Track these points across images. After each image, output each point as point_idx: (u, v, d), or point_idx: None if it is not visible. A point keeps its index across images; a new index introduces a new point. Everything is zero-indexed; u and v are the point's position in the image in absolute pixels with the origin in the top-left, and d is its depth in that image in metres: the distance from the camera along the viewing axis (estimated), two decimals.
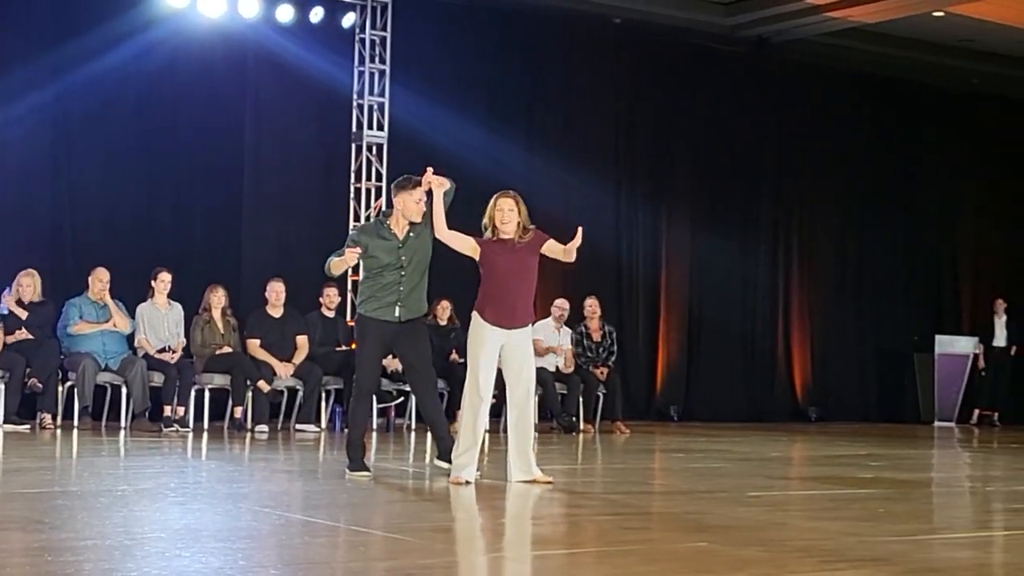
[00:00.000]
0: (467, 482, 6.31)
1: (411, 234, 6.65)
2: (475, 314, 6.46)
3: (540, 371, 11.58)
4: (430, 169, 6.60)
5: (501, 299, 6.38)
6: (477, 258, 6.47)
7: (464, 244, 6.48)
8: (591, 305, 12.22)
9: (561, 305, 11.86)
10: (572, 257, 6.51)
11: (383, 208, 12.37)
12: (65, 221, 11.38)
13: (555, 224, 13.76)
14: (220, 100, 11.92)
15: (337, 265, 6.80)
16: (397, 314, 6.64)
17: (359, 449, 6.74)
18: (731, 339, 14.94)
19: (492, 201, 6.51)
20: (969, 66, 15.57)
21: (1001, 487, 7.88)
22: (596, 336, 12.16)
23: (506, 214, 6.42)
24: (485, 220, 6.48)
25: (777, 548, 4.58)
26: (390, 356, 11.06)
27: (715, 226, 14.90)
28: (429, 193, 6.59)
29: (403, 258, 6.64)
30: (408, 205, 6.62)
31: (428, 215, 6.60)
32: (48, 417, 9.85)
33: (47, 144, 11.30)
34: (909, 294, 16.45)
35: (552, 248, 6.50)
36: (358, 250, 6.66)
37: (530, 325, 6.54)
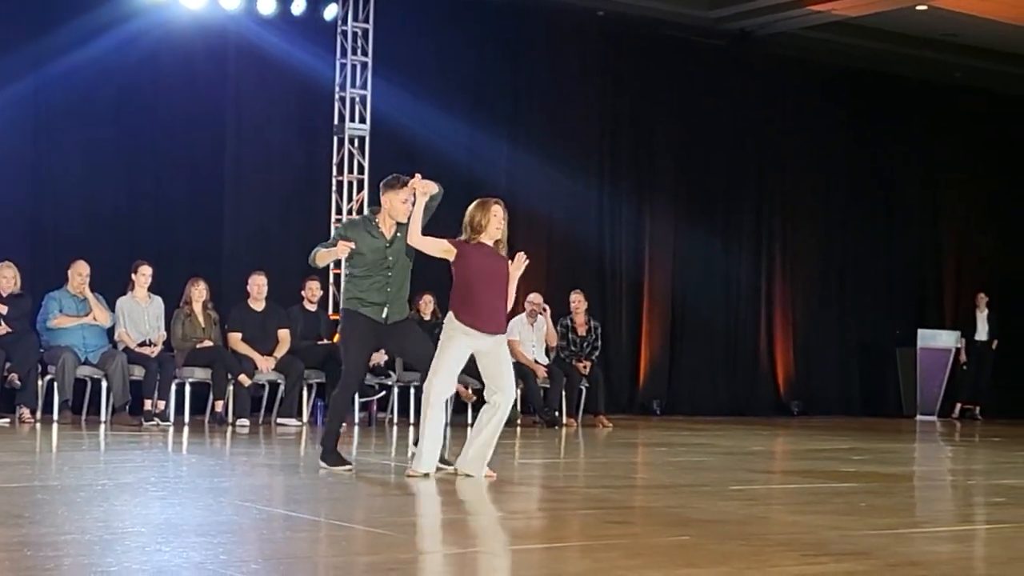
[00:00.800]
0: (425, 475, 6.29)
1: (398, 234, 6.61)
2: (451, 314, 6.42)
3: (521, 367, 11.64)
4: (418, 175, 6.56)
5: (473, 301, 6.34)
6: (451, 259, 6.40)
7: (437, 247, 6.41)
8: (576, 300, 12.22)
9: (534, 300, 11.83)
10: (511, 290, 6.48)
11: (365, 201, 12.34)
12: (45, 214, 11.31)
13: (537, 218, 13.90)
14: (201, 92, 11.86)
15: (323, 256, 6.76)
16: (384, 315, 6.62)
17: (336, 442, 6.71)
18: (714, 333, 14.97)
19: (483, 205, 6.40)
20: (952, 60, 15.61)
21: (982, 481, 7.91)
22: (581, 331, 12.15)
23: (500, 221, 6.39)
24: (471, 222, 6.38)
25: (759, 542, 4.58)
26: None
27: (698, 220, 14.91)
28: None
29: (390, 258, 6.61)
30: (395, 205, 6.59)
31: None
32: (27, 411, 9.79)
33: (27, 136, 11.22)
34: (891, 288, 16.51)
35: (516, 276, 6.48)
36: (351, 244, 6.61)
37: (503, 334, 6.50)
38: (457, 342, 6.34)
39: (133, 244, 11.22)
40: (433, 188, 6.49)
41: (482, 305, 6.35)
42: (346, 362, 6.72)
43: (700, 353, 14.84)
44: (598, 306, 13.37)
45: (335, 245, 6.66)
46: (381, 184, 6.75)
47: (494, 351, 6.40)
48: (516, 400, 11.35)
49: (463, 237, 6.41)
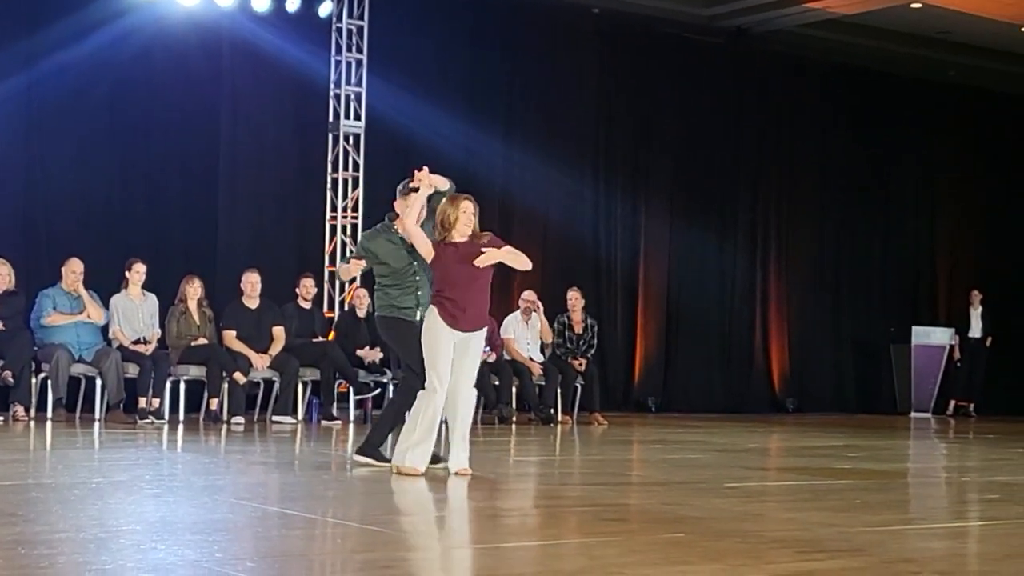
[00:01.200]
0: (422, 472, 6.29)
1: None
2: (432, 308, 6.41)
3: (517, 364, 11.63)
4: (426, 169, 6.55)
5: (454, 301, 6.35)
6: (429, 261, 6.43)
7: (424, 245, 6.42)
8: (573, 297, 12.20)
9: (528, 297, 11.82)
10: (521, 262, 6.43)
11: (360, 198, 12.34)
12: (38, 211, 11.29)
13: (533, 215, 13.89)
14: (195, 90, 11.83)
15: (345, 272, 7.01)
16: (418, 318, 6.66)
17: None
18: (709, 331, 14.97)
19: (452, 201, 6.38)
20: (946, 58, 15.64)
21: (976, 477, 7.93)
22: (578, 328, 12.15)
23: (470, 217, 6.37)
24: (441, 219, 6.35)
25: (754, 539, 4.58)
26: (367, 348, 11.10)
27: (693, 217, 14.91)
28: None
29: (415, 264, 6.65)
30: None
31: (427, 218, 6.55)
32: (21, 409, 9.76)
33: (20, 133, 11.19)
34: (886, 285, 16.53)
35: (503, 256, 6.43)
36: (362, 263, 6.72)
37: (483, 329, 6.49)
38: (442, 335, 6.35)
39: (127, 241, 11.20)
40: (444, 184, 6.50)
41: (459, 304, 6.34)
42: (416, 363, 6.63)
43: (695, 350, 14.84)
44: (593, 303, 13.36)
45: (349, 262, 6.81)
46: (397, 190, 6.76)
47: (465, 346, 6.40)
48: (511, 397, 11.45)
49: (437, 237, 6.39)
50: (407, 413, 6.54)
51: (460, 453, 6.42)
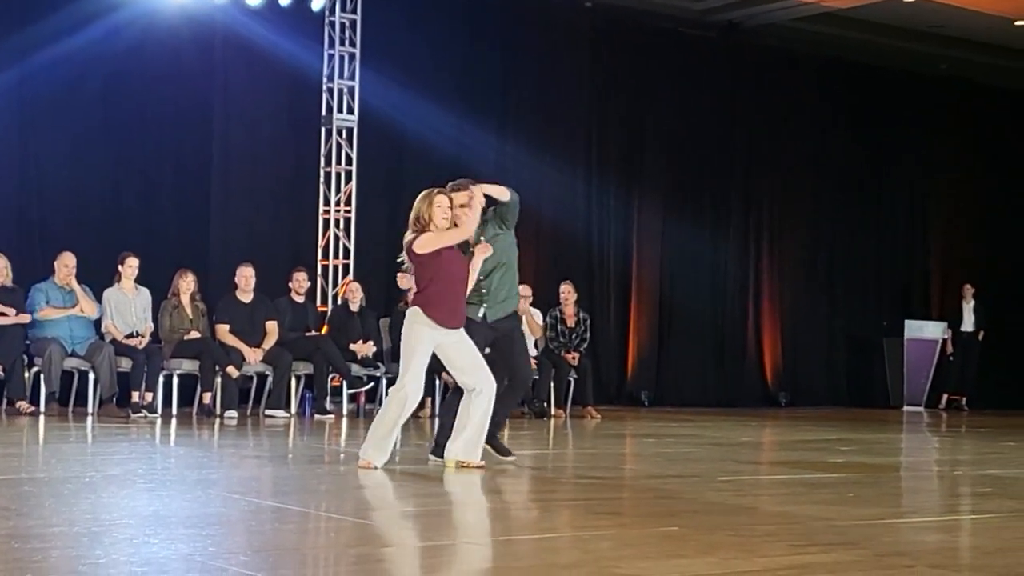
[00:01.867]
0: (376, 467, 6.27)
1: (482, 237, 6.56)
2: (416, 310, 6.26)
3: None
4: (479, 187, 6.47)
5: (449, 300, 6.29)
6: (424, 252, 6.22)
7: (439, 241, 6.25)
8: (566, 291, 12.22)
9: (522, 292, 11.78)
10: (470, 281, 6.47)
11: (353, 193, 12.34)
12: (31, 205, 11.27)
13: (526, 210, 13.79)
14: (188, 83, 11.82)
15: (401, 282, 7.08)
16: (481, 314, 6.64)
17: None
18: (702, 325, 14.99)
19: (427, 197, 6.23)
20: (938, 51, 15.66)
21: (968, 471, 7.95)
22: (570, 322, 12.16)
23: (445, 211, 6.24)
24: (417, 216, 6.22)
25: (747, 532, 4.59)
26: (360, 342, 11.10)
27: (686, 211, 14.93)
28: (488, 199, 6.53)
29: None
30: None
31: (488, 214, 6.57)
32: (24, 403, 9.72)
33: (12, 128, 11.17)
34: (879, 280, 16.56)
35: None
36: (407, 285, 6.68)
37: (463, 327, 6.48)
38: (425, 340, 6.27)
39: (120, 235, 11.19)
40: (503, 194, 6.49)
41: (447, 301, 6.29)
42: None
43: (688, 344, 14.86)
44: (586, 298, 13.37)
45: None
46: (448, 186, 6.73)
47: (458, 343, 6.37)
48: None
49: (412, 233, 6.28)
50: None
51: (466, 445, 6.42)
